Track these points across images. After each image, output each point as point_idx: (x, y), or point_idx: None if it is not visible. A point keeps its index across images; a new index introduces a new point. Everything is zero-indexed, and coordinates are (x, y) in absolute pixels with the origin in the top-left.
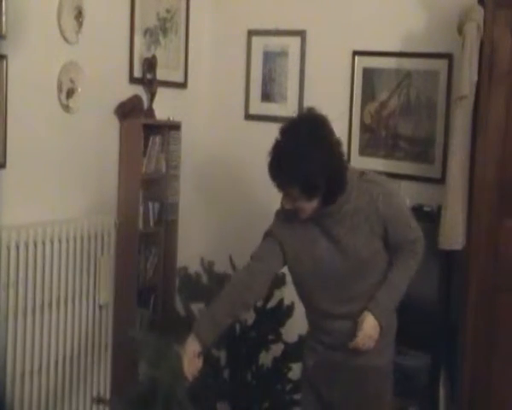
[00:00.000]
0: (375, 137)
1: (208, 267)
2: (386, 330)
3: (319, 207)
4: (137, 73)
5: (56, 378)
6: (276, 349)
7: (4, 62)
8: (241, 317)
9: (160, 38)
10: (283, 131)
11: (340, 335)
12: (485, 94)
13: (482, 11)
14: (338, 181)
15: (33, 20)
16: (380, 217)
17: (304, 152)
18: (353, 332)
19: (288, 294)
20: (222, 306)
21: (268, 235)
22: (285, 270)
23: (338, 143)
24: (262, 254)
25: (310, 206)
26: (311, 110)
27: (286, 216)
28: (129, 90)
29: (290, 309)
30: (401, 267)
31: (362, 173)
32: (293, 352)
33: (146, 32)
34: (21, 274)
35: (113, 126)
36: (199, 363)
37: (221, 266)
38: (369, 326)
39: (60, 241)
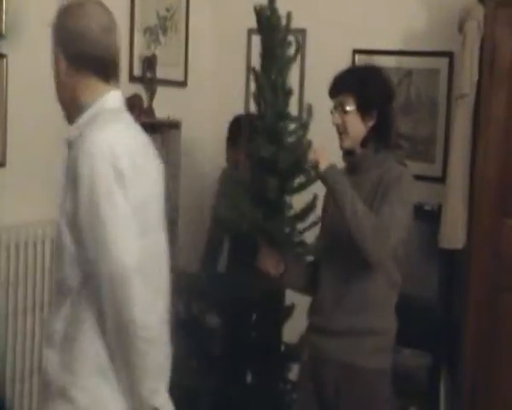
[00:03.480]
0: None
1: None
2: (380, 330)
3: (361, 141)
4: (137, 72)
5: None
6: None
7: (4, 62)
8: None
9: (160, 36)
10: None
11: (331, 307)
12: (486, 92)
13: (483, 9)
14: (387, 127)
15: (33, 19)
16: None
17: (366, 72)
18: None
19: (289, 294)
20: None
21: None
22: None
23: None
24: None
25: (356, 128)
26: None
27: None
28: (128, 89)
29: (290, 309)
30: (365, 210)
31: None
32: (293, 352)
33: (146, 30)
34: (21, 274)
35: None
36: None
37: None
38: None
39: None
